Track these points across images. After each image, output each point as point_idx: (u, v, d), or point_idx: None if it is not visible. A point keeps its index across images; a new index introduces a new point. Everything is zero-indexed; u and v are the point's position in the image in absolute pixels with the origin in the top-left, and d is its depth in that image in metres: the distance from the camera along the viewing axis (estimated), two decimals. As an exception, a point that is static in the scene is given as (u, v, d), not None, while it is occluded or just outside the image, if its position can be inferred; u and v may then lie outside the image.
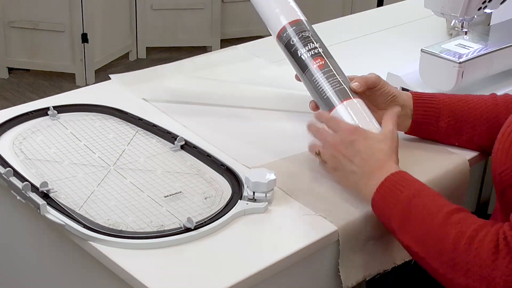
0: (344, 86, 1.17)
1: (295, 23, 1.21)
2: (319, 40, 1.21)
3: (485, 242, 0.92)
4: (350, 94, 1.16)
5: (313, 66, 1.18)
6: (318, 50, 1.19)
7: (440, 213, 0.97)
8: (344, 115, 1.14)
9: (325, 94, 1.16)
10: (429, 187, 1.03)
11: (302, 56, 1.19)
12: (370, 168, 1.06)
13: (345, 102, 1.15)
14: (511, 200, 1.02)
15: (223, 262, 0.96)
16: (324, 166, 1.13)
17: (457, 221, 0.96)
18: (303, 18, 1.23)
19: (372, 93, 1.20)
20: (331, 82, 1.16)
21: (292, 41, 1.20)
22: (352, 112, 1.14)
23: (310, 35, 1.20)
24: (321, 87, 1.17)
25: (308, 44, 1.19)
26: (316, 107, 1.21)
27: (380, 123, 1.17)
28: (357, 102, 1.16)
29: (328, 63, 1.18)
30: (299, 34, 1.20)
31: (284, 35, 1.21)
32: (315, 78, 1.18)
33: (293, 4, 1.24)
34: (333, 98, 1.16)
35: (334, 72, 1.18)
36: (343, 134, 1.10)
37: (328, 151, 1.11)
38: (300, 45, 1.19)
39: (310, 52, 1.19)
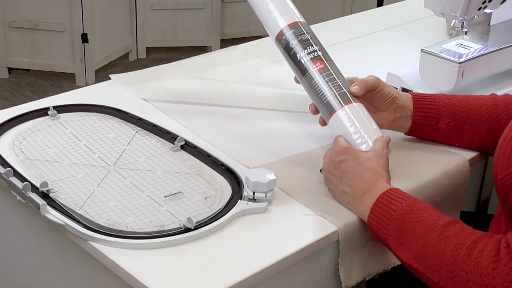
0: (344, 90, 1.16)
1: (294, 26, 1.20)
2: (318, 43, 1.20)
3: (485, 252, 0.92)
4: (350, 98, 1.15)
5: (313, 69, 1.17)
6: (318, 53, 1.18)
7: (436, 226, 0.97)
8: (344, 119, 1.14)
9: (326, 99, 1.16)
10: (421, 201, 1.03)
11: (301, 60, 1.18)
12: (361, 189, 1.06)
13: (345, 106, 1.14)
14: None
15: (223, 262, 0.96)
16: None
17: (454, 234, 0.96)
18: (301, 20, 1.22)
19: (372, 95, 1.20)
20: (331, 86, 1.16)
21: (291, 44, 1.19)
22: (353, 117, 1.14)
23: (309, 38, 1.20)
24: (321, 91, 1.16)
25: (308, 47, 1.19)
26: (316, 111, 1.20)
27: (380, 125, 1.17)
28: (358, 106, 1.15)
29: (328, 67, 1.18)
30: (298, 37, 1.19)
31: (283, 38, 1.20)
32: (315, 81, 1.17)
33: (292, 7, 1.23)
34: (334, 102, 1.15)
35: (334, 75, 1.17)
36: (333, 155, 1.10)
37: (324, 173, 1.12)
38: (299, 48, 1.19)
39: (309, 56, 1.18)
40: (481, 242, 0.93)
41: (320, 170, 1.14)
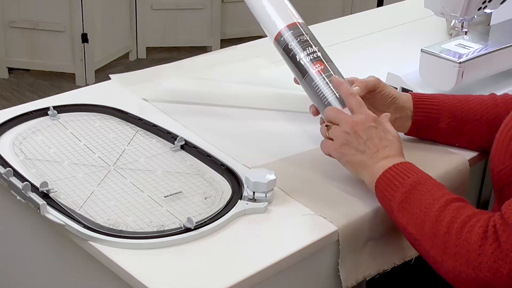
0: None
1: (293, 27, 1.20)
2: (317, 44, 1.20)
3: (475, 228, 0.93)
4: None
5: (313, 70, 1.17)
6: (318, 54, 1.18)
7: (442, 198, 0.99)
8: None
9: (326, 100, 1.15)
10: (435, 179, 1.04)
11: (301, 61, 1.18)
12: (381, 155, 1.07)
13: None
14: (509, 198, 1.02)
15: (223, 262, 0.96)
16: (325, 144, 1.11)
17: (455, 207, 0.97)
18: (300, 21, 1.21)
19: (372, 96, 1.20)
20: (332, 87, 1.16)
21: (290, 46, 1.19)
22: None
23: (308, 38, 1.19)
24: (322, 92, 1.16)
25: (307, 48, 1.18)
26: (316, 112, 1.20)
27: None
28: None
29: (328, 68, 1.17)
30: (297, 38, 1.19)
31: (282, 39, 1.20)
32: (315, 83, 1.17)
33: (290, 7, 1.23)
34: (335, 103, 1.15)
35: (335, 76, 1.17)
36: (365, 117, 1.09)
37: (342, 128, 1.09)
38: (298, 50, 1.18)
39: (309, 57, 1.18)
40: (474, 217, 0.95)
41: (327, 126, 1.11)
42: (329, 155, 1.12)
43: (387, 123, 1.11)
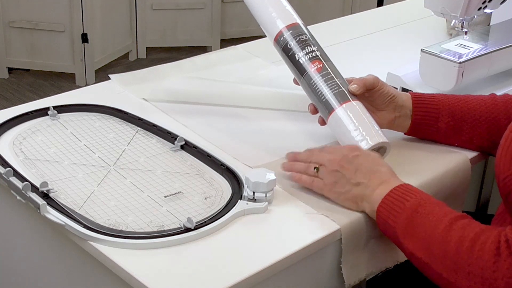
0: (343, 88, 1.17)
1: (292, 27, 1.21)
2: (316, 43, 1.21)
3: (486, 245, 0.92)
4: (349, 97, 1.16)
5: (311, 69, 1.18)
6: (316, 54, 1.19)
7: (445, 218, 0.98)
8: (343, 117, 1.14)
9: (324, 97, 1.16)
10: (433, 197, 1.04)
11: (300, 60, 1.19)
12: (379, 179, 1.06)
13: (344, 104, 1.15)
14: None
15: (223, 262, 0.96)
16: (316, 184, 1.10)
17: (461, 226, 0.97)
18: (299, 21, 1.23)
19: (371, 94, 1.20)
20: (330, 85, 1.16)
21: (290, 45, 1.20)
22: (351, 115, 1.14)
23: (307, 38, 1.20)
24: (319, 90, 1.17)
25: (306, 48, 1.19)
26: (315, 110, 1.21)
27: (379, 125, 1.17)
28: (356, 105, 1.16)
29: (326, 66, 1.18)
30: (296, 38, 1.20)
31: (281, 39, 1.21)
32: (313, 81, 1.18)
33: (289, 8, 1.24)
34: (332, 101, 1.16)
35: (332, 74, 1.18)
36: (345, 150, 1.10)
37: (329, 167, 1.09)
38: (297, 49, 1.19)
39: (307, 56, 1.19)
40: (484, 234, 0.94)
41: (315, 168, 1.12)
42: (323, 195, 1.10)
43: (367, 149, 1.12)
